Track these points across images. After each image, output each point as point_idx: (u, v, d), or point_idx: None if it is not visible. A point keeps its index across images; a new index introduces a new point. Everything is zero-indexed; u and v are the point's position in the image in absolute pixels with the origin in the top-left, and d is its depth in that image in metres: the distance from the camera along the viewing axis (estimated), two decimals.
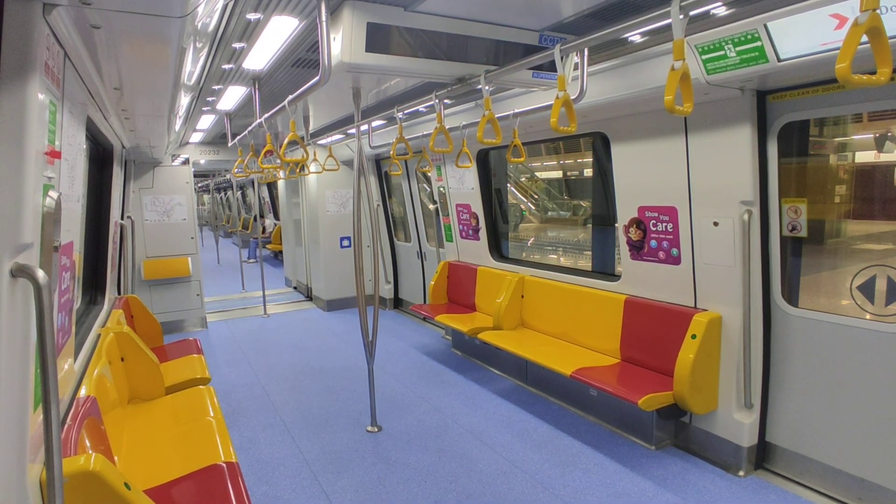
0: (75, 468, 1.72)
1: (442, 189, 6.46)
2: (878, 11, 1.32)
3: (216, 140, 8.33)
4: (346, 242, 8.42)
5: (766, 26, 2.47)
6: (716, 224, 3.38)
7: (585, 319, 4.52)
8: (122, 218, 5.82)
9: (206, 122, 6.44)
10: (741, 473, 3.39)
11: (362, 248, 4.07)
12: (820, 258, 3.33)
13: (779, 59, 2.53)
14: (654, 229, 3.82)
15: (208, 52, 3.36)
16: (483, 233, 5.92)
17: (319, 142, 7.36)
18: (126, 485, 1.83)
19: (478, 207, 5.86)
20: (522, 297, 5.24)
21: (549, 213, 8.80)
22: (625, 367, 4.04)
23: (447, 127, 3.39)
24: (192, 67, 3.18)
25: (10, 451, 1.47)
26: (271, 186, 15.24)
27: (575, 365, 4.00)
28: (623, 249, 4.10)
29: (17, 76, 1.44)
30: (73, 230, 2.39)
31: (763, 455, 3.46)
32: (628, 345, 4.11)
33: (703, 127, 3.33)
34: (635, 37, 3.04)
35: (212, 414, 3.29)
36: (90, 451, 2.06)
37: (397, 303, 8.63)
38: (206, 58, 3.46)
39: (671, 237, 3.70)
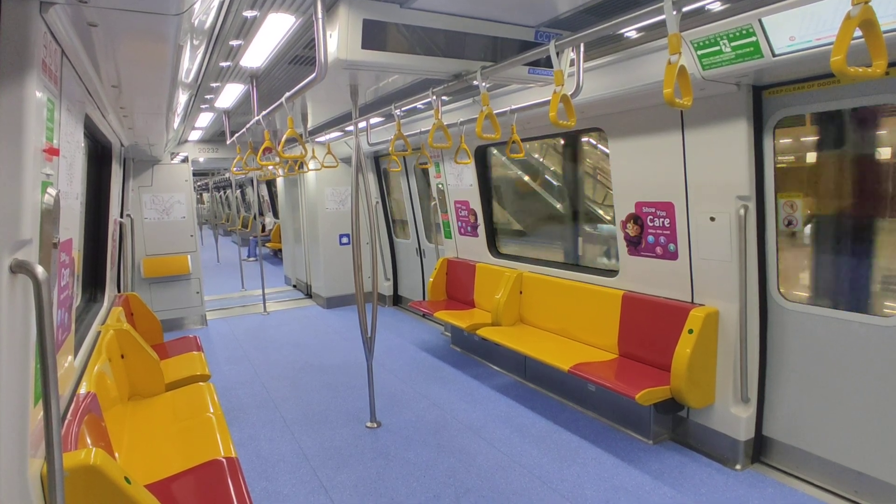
0: (76, 462, 1.74)
1: (440, 186, 6.47)
2: (869, 4, 1.33)
3: (215, 138, 8.33)
4: (345, 240, 8.43)
5: (760, 21, 2.48)
6: (712, 219, 3.39)
7: (583, 315, 4.54)
8: (121, 216, 5.83)
9: (204, 119, 6.44)
10: (738, 467, 3.41)
11: (361, 245, 4.08)
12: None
13: (773, 54, 2.54)
14: (651, 225, 3.83)
15: (205, 50, 3.37)
16: (481, 229, 5.93)
17: (318, 139, 7.37)
18: (126, 479, 1.85)
19: (476, 204, 5.87)
20: (521, 293, 5.26)
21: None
22: (622, 362, 4.06)
23: (445, 123, 3.40)
24: (189, 65, 3.19)
25: (11, 446, 1.49)
26: (270, 185, 15.26)
27: (573, 360, 4.02)
28: (621, 245, 4.12)
29: (14, 74, 1.45)
30: (72, 228, 2.41)
31: (760, 449, 3.48)
32: (626, 340, 4.13)
33: (699, 122, 3.34)
34: (631, 33, 3.04)
35: (212, 410, 3.30)
36: (90, 447, 2.08)
37: (396, 300, 8.64)
38: (203, 55, 3.46)
39: (668, 232, 3.71)
